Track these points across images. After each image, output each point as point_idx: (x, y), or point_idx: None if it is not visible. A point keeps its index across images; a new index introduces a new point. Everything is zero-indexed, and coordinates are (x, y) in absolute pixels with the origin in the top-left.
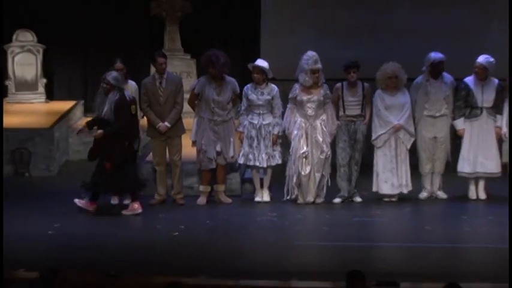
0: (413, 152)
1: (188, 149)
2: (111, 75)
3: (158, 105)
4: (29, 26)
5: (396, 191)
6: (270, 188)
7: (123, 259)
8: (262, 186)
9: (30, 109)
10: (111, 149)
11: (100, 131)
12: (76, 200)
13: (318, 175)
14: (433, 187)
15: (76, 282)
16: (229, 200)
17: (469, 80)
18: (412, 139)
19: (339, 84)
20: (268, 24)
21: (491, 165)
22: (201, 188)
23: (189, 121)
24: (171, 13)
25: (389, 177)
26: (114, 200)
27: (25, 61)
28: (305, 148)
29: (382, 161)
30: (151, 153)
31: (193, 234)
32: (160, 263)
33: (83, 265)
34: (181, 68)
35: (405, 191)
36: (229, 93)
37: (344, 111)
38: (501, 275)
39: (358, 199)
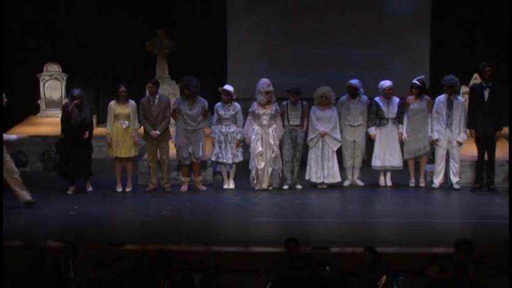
0: (340, 152)
1: (173, 150)
2: (79, 92)
3: (152, 118)
4: (56, 59)
5: (322, 180)
6: (234, 179)
7: (125, 232)
8: (228, 177)
9: (56, 121)
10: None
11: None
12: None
13: (270, 169)
14: (353, 177)
15: (89, 250)
16: (204, 188)
17: (378, 99)
18: (339, 144)
19: (284, 102)
20: (234, 58)
21: (395, 160)
22: (183, 178)
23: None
24: (161, 50)
25: (316, 169)
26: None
27: (53, 86)
28: (260, 149)
29: (313, 157)
30: (146, 153)
31: (177, 213)
32: (153, 235)
33: (95, 237)
34: (168, 90)
35: (333, 180)
36: (199, 109)
37: (288, 122)
38: (404, 241)
39: (299, 186)
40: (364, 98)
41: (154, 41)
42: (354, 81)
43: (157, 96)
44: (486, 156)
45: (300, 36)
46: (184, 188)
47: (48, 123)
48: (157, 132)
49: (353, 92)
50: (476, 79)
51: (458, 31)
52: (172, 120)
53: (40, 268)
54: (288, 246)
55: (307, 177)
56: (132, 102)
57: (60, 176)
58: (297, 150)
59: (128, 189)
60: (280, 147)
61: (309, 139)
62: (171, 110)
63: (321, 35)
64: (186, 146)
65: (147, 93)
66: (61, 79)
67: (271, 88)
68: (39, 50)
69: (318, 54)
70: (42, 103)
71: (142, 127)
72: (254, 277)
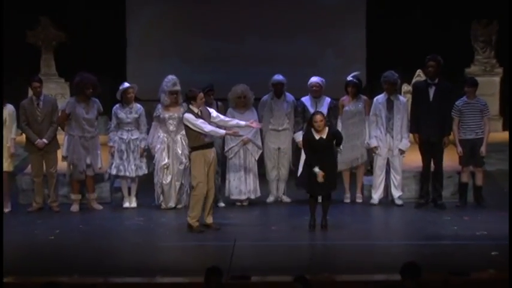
0: (261, 163)
1: (62, 162)
2: None
3: (36, 123)
4: None
5: (244, 197)
6: (136, 195)
7: (4, 262)
8: (130, 193)
9: None
10: None
11: None
12: None
13: (177, 183)
14: (278, 192)
15: None
16: (100, 207)
17: (305, 99)
18: (260, 151)
19: None
20: (135, 52)
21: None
22: (73, 196)
23: (59, 137)
24: (47, 42)
25: (239, 184)
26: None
27: None
28: (166, 160)
29: (233, 169)
30: (29, 166)
31: (67, 238)
32: (38, 265)
33: None
34: (56, 90)
35: (253, 196)
36: (96, 111)
37: None
38: (340, 267)
39: (222, 204)
40: (290, 97)
41: (38, 31)
42: (279, 77)
43: (41, 98)
44: (432, 166)
45: (214, 27)
46: (75, 207)
47: None
48: (44, 141)
49: (279, 90)
50: (419, 76)
51: (398, 21)
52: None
53: None
54: (208, 280)
55: (226, 194)
56: (10, 106)
57: None
58: None
59: (6, 210)
60: None
61: (227, 148)
62: (59, 115)
63: (239, 26)
64: (84, 157)
65: (30, 94)
66: None
67: (177, 87)
68: None
69: (235, 48)
70: None
71: (23, 134)
72: None
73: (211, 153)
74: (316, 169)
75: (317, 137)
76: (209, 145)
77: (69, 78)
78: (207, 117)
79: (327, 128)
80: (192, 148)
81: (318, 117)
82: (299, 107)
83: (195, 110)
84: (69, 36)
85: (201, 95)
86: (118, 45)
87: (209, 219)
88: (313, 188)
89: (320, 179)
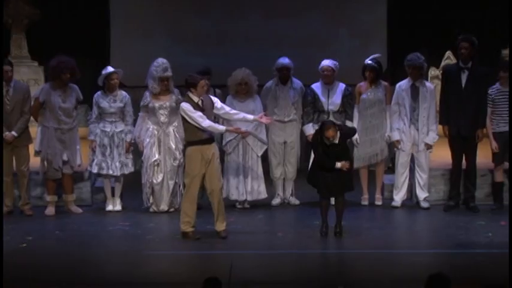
0: (266, 159)
1: (34, 158)
2: None
3: (5, 114)
4: None
5: (244, 198)
6: (121, 197)
7: None
8: (114, 195)
9: None
10: None
11: None
12: None
13: (171, 183)
14: (285, 193)
15: None
16: (80, 210)
17: (316, 85)
18: (265, 146)
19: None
20: (119, 31)
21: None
22: (48, 198)
23: (33, 130)
24: (18, 20)
25: (239, 183)
26: None
27: None
28: (157, 156)
29: (232, 167)
30: None
31: (42, 245)
32: (8, 276)
33: None
34: (28, 75)
35: (258, 197)
36: (74, 99)
37: None
38: (357, 279)
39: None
40: (298, 83)
41: (7, 8)
42: (285, 61)
43: (12, 84)
44: (464, 163)
45: (211, 3)
46: (50, 210)
47: None
48: (14, 133)
49: (284, 76)
50: (449, 58)
51: None
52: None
53: None
54: None
55: (225, 195)
56: None
57: None
58: None
59: None
60: None
61: (225, 142)
62: (32, 103)
63: (240, 1)
64: (60, 153)
65: None
66: None
67: (169, 73)
68: None
69: (235, 27)
70: None
71: None
72: None
73: (211, 149)
74: (338, 164)
75: (328, 142)
76: (208, 141)
77: (44, 62)
78: (209, 109)
79: (338, 133)
80: (188, 143)
81: (330, 132)
82: (308, 95)
83: (195, 100)
84: (43, 13)
85: (203, 82)
86: (100, 23)
87: (219, 226)
88: (325, 188)
89: (346, 166)
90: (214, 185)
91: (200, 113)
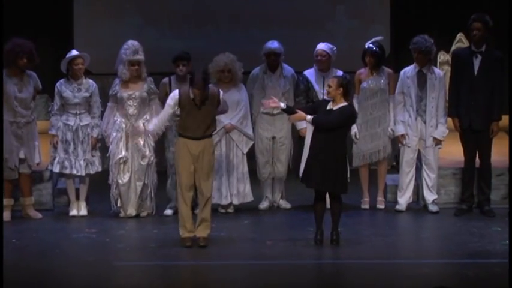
0: (252, 157)
1: None
2: None
3: None
4: None
5: (230, 201)
6: (87, 200)
7: None
8: (78, 198)
9: None
10: None
11: None
12: None
13: (139, 184)
14: (274, 195)
15: None
16: (39, 215)
17: (309, 72)
18: (251, 142)
19: (166, 79)
20: (84, 9)
21: None
22: (4, 201)
23: None
24: None
25: (219, 184)
26: None
27: None
28: (123, 153)
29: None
30: None
31: None
32: None
33: None
34: None
35: (243, 200)
36: (32, 88)
37: None
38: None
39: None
40: (289, 70)
41: None
42: (274, 45)
43: None
44: (478, 161)
45: None
46: (6, 215)
47: None
48: None
49: (273, 62)
50: (461, 41)
51: None
52: None
53: None
54: None
55: None
56: None
57: None
58: None
59: None
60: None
61: None
62: None
63: None
64: (16, 150)
65: None
66: None
67: (140, 56)
68: None
69: (217, 5)
70: None
71: None
72: None
73: (198, 146)
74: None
75: (328, 106)
76: (194, 138)
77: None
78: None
79: (344, 103)
80: (178, 134)
81: (332, 80)
82: (301, 83)
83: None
84: None
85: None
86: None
87: (200, 232)
88: (311, 178)
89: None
90: (202, 185)
91: (167, 108)
